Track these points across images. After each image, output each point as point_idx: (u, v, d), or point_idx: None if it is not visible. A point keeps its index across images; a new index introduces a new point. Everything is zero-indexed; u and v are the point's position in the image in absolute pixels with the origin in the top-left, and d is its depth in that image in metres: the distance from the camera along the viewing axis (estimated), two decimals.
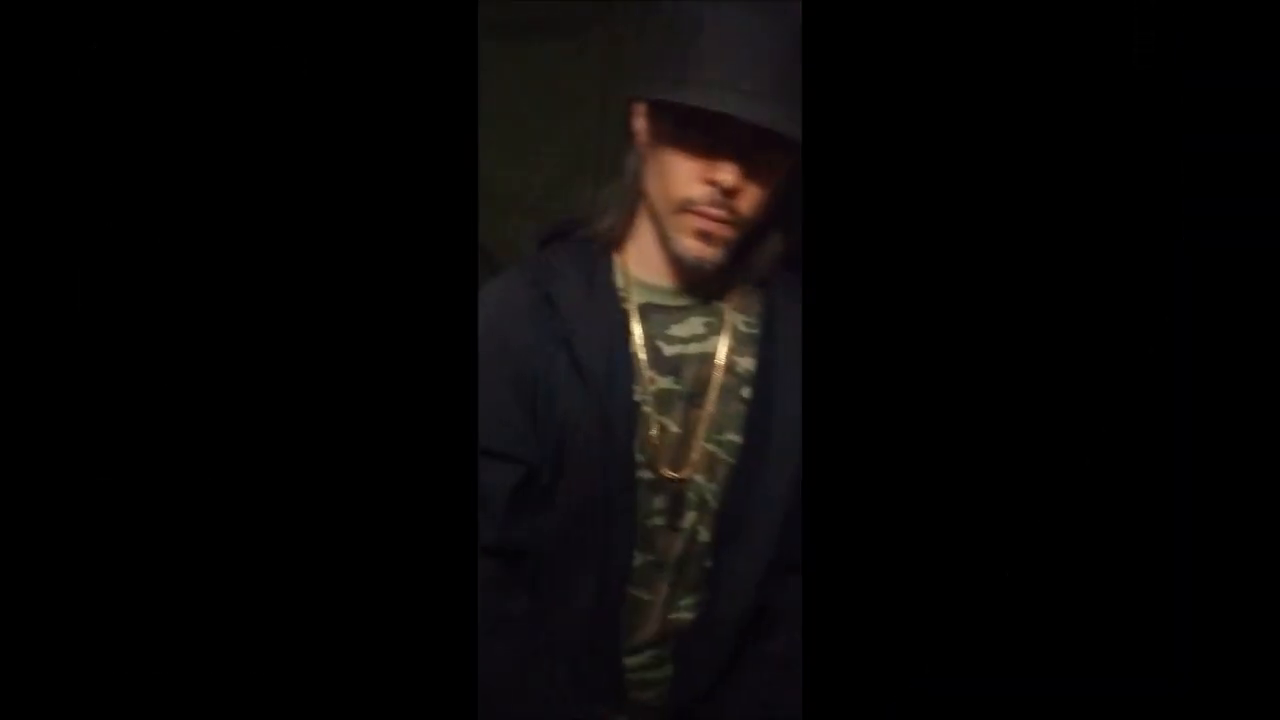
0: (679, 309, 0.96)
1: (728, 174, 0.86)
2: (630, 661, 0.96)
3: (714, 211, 0.88)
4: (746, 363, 0.96)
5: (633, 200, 0.95)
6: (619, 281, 0.96)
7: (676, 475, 0.93)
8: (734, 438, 0.95)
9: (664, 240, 0.93)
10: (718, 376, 0.95)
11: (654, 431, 0.93)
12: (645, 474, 0.93)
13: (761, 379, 0.95)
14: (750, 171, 0.88)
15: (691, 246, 0.90)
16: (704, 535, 0.95)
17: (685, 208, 0.89)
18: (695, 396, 0.95)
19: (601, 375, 0.92)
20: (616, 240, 0.97)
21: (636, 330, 0.94)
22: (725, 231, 0.90)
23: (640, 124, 0.92)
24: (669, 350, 0.95)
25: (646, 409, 0.93)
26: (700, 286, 0.96)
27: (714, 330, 0.96)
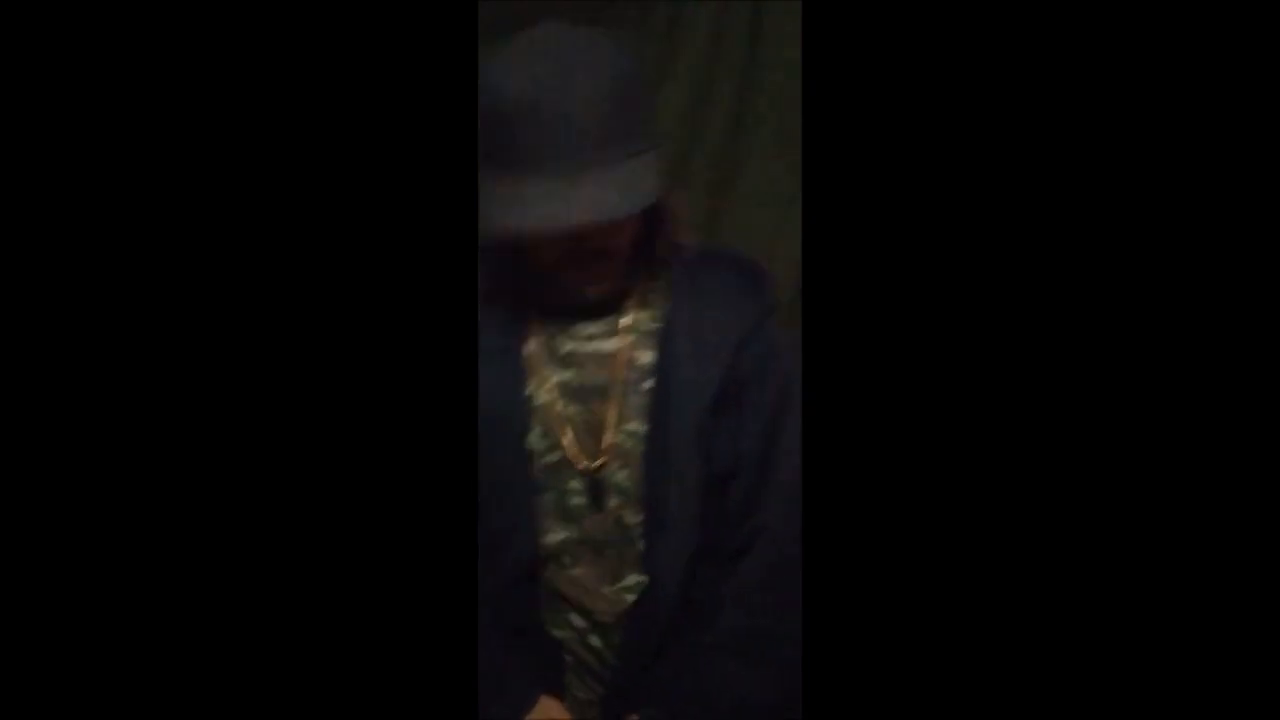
0: (580, 310, 1.00)
1: (575, 261, 0.90)
2: (578, 640, 1.01)
3: (581, 274, 0.92)
4: (646, 357, 0.99)
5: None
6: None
7: (590, 465, 0.98)
8: (638, 427, 0.98)
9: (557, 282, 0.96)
10: (618, 371, 0.98)
11: (555, 421, 0.98)
12: (553, 457, 0.98)
13: (661, 370, 0.98)
14: (595, 236, 0.89)
15: (577, 287, 0.94)
16: (630, 518, 0.98)
17: (554, 274, 0.93)
18: (601, 389, 0.98)
19: (493, 374, 0.97)
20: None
21: (535, 330, 0.99)
22: (604, 272, 0.93)
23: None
24: (567, 346, 0.99)
25: (544, 400, 0.98)
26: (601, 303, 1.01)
27: (612, 329, 1.00)
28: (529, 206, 0.85)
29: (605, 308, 1.00)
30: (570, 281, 0.94)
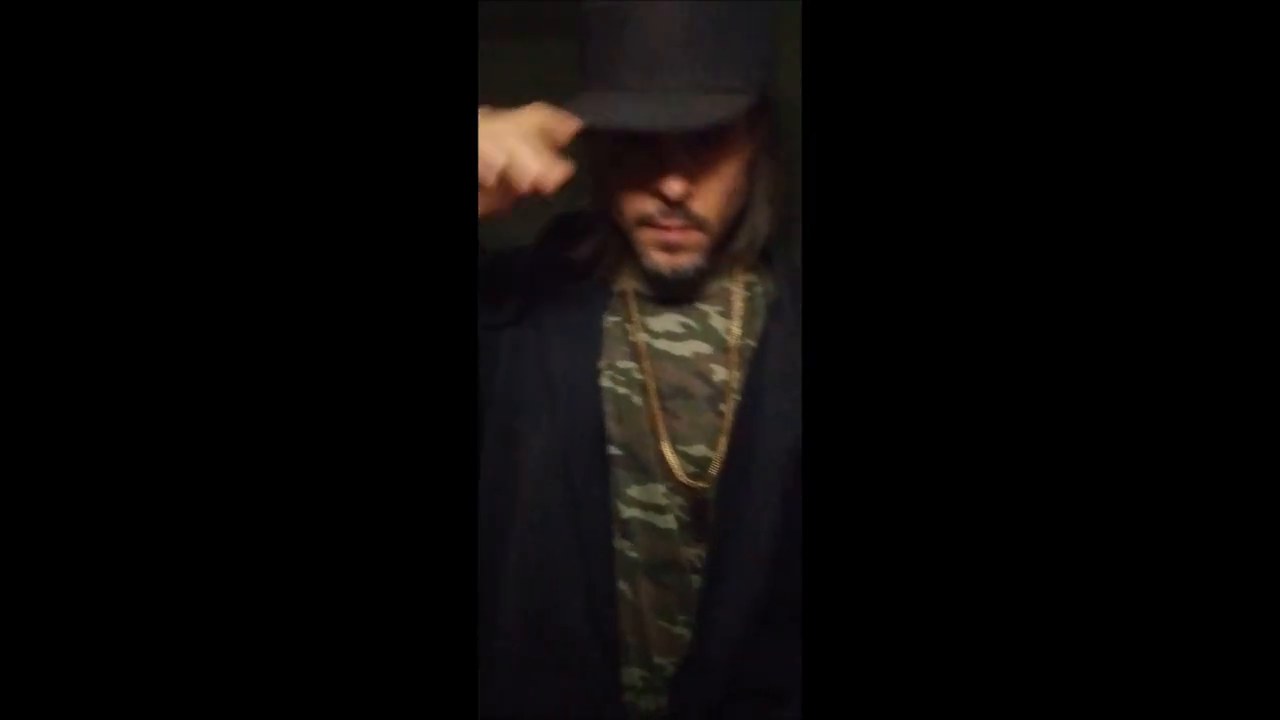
0: (659, 300, 0.93)
1: (673, 184, 0.83)
2: (634, 695, 0.90)
3: (671, 223, 0.86)
4: (724, 374, 0.91)
5: (605, 221, 0.92)
6: (610, 275, 0.95)
7: (699, 485, 0.88)
8: (703, 451, 0.90)
9: (641, 264, 0.90)
10: (689, 382, 0.91)
11: (633, 413, 0.90)
12: (616, 451, 0.90)
13: (748, 393, 0.89)
14: (699, 172, 0.84)
15: (660, 261, 0.88)
16: (687, 550, 0.89)
17: (642, 223, 0.87)
18: (663, 398, 0.90)
19: (569, 336, 0.90)
20: (607, 257, 0.94)
21: (613, 309, 0.92)
22: (690, 239, 0.87)
23: (583, 146, 0.88)
24: (635, 336, 0.92)
25: (609, 386, 0.90)
26: (688, 289, 0.93)
27: (691, 334, 0.93)
28: (617, 111, 0.80)
29: (682, 292, 0.92)
30: (656, 243, 0.87)
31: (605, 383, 0.91)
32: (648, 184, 0.85)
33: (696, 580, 0.90)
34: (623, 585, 0.90)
